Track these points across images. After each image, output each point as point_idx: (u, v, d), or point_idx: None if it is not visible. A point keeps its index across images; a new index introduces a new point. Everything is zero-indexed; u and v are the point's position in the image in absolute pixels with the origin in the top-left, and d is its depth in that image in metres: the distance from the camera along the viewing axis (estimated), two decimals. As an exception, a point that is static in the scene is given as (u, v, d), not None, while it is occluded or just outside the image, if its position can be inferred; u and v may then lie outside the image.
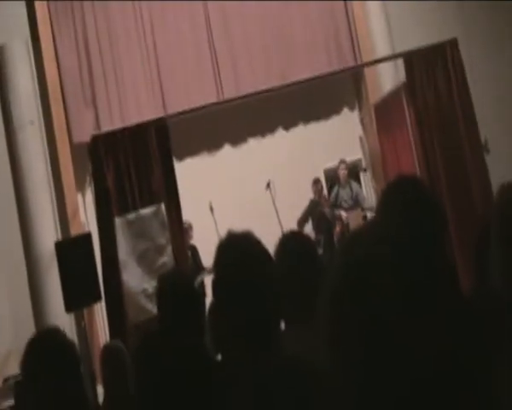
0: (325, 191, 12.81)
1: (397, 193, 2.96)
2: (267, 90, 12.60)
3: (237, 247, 2.57)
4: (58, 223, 11.56)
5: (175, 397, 3.58)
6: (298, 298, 3.19)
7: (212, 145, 13.38)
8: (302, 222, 12.11)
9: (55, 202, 11.67)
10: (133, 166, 10.50)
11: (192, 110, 12.22)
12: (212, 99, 12.67)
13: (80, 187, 12.28)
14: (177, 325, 3.89)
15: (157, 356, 4.36)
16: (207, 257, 11.29)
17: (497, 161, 11.89)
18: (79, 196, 12.23)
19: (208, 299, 6.86)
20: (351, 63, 13.74)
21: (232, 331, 2.47)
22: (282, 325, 3.20)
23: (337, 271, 1.40)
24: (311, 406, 2.21)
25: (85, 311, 10.25)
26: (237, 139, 13.51)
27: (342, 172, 12.70)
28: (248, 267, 2.46)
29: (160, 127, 10.76)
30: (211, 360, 3.60)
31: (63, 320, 9.78)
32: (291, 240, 3.45)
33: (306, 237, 3.58)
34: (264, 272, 2.46)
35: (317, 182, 12.59)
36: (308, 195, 12.54)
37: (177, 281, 4.17)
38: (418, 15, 13.69)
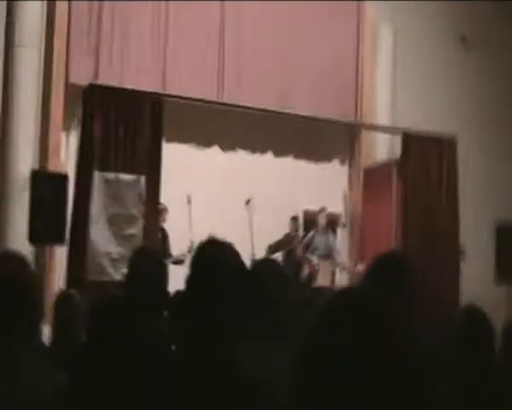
0: (300, 231, 12.81)
1: (385, 267, 3.15)
2: (267, 110, 12.72)
3: (217, 253, 2.60)
4: (37, 154, 11.34)
5: (118, 368, 3.62)
6: (265, 319, 3.31)
7: (202, 140, 13.23)
8: (272, 250, 12.05)
9: (39, 131, 11.47)
10: (122, 128, 10.44)
11: (192, 99, 12.25)
12: (212, 99, 12.72)
13: (66, 127, 12.07)
14: (142, 302, 3.90)
15: (113, 327, 4.36)
16: (174, 245, 11.28)
17: (470, 272, 12.09)
18: (64, 136, 12.04)
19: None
20: (350, 119, 13.92)
21: (193, 327, 2.50)
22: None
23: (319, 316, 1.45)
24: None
25: (47, 251, 10.09)
26: (227, 145, 13.44)
27: (322, 221, 12.61)
28: (224, 277, 2.49)
29: (157, 101, 10.75)
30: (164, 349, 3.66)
31: (23, 251, 9.60)
32: (266, 266, 3.60)
33: (281, 267, 3.73)
34: (238, 283, 2.51)
35: (295, 219, 12.52)
36: (283, 226, 12.55)
37: (153, 260, 4.17)
38: (425, 98, 14.03)
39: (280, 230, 12.39)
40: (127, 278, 4.04)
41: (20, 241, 9.83)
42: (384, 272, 3.12)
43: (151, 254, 4.29)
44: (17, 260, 3.04)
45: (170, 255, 10.90)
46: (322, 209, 12.61)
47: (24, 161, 10.87)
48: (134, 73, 12.63)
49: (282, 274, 3.57)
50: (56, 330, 6.03)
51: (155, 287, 3.94)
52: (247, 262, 3.28)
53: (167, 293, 4.26)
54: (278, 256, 12.06)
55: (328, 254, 12.38)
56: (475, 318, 3.87)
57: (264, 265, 3.64)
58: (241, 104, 12.61)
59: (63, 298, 6.14)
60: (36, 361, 3.03)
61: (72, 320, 5.80)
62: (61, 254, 10.57)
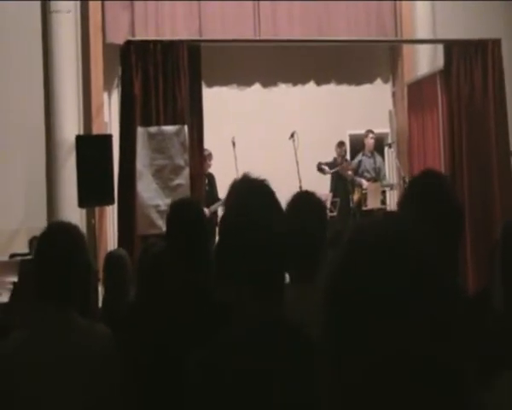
0: (348, 156, 12.88)
1: (420, 188, 2.98)
2: (305, 40, 12.70)
3: (251, 192, 2.53)
4: (82, 116, 11.63)
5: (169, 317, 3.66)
6: (302, 256, 3.28)
7: (243, 80, 13.36)
8: (323, 166, 12.21)
9: (81, 94, 11.73)
10: (162, 80, 10.48)
11: (227, 40, 12.30)
12: (249, 37, 12.75)
13: (107, 87, 12.29)
14: (183, 254, 3.89)
15: (160, 277, 4.39)
16: (222, 189, 11.40)
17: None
18: (105, 96, 12.26)
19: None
20: (391, 37, 13.78)
21: (231, 275, 2.37)
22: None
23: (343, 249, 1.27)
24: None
25: (97, 211, 10.35)
26: (268, 81, 13.49)
27: (370, 142, 12.66)
28: (257, 214, 2.39)
29: (193, 48, 10.73)
30: (209, 301, 3.64)
31: (74, 214, 9.91)
32: (304, 199, 3.51)
33: (318, 200, 3.62)
34: (272, 222, 2.39)
35: (341, 145, 12.60)
36: (329, 153, 12.57)
37: (189, 212, 4.17)
38: (465, 6, 13.72)
39: (328, 159, 12.44)
40: (167, 231, 4.10)
41: (70, 204, 10.15)
42: (418, 194, 2.95)
43: (189, 205, 4.32)
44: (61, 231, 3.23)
45: (218, 200, 11.04)
46: (369, 132, 12.61)
47: (69, 126, 11.19)
48: (170, 24, 12.73)
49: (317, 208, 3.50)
50: (107, 292, 6.23)
51: (195, 239, 3.94)
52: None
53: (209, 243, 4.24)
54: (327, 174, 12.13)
55: (376, 176, 12.43)
56: None
57: (295, 201, 3.47)
58: (278, 38, 12.62)
59: (111, 259, 6.31)
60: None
61: (122, 281, 5.97)
62: (111, 212, 10.88)
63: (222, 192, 11.37)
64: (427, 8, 13.61)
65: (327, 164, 12.35)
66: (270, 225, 2.36)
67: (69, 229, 3.22)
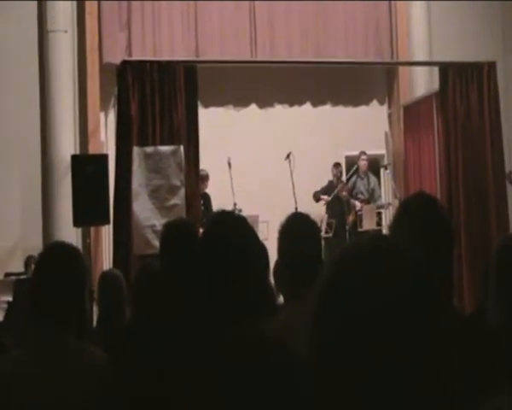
0: (344, 177, 12.90)
1: (412, 209, 2.96)
2: (301, 62, 12.75)
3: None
4: (78, 136, 11.65)
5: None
6: (296, 277, 3.27)
7: (239, 101, 13.37)
8: (317, 198, 12.28)
9: (77, 114, 11.74)
10: (158, 100, 10.50)
11: (224, 61, 12.35)
12: (246, 58, 12.79)
13: (104, 107, 12.30)
14: (176, 274, 3.89)
15: (158, 296, 4.35)
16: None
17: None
18: (102, 115, 12.27)
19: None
20: (387, 59, 13.85)
21: (209, 294, 2.39)
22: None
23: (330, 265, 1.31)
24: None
25: (92, 230, 10.35)
26: (264, 102, 13.50)
27: (363, 163, 12.74)
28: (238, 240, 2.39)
29: (190, 68, 10.77)
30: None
31: (70, 233, 9.91)
32: (298, 220, 3.50)
33: (311, 221, 3.62)
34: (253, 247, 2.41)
35: (337, 166, 12.65)
36: (325, 174, 12.62)
37: (183, 232, 4.16)
38: (461, 29, 13.78)
39: (324, 180, 12.48)
40: (160, 251, 4.09)
41: (66, 223, 10.14)
42: (411, 214, 2.92)
43: (183, 225, 4.31)
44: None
45: (214, 220, 11.00)
46: (362, 153, 12.69)
47: (65, 145, 11.21)
48: (167, 43, 12.77)
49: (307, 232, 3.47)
50: (102, 312, 6.20)
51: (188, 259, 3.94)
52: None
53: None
54: (323, 203, 12.21)
55: (371, 198, 12.48)
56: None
57: (289, 223, 3.45)
58: (274, 60, 12.67)
59: (104, 279, 6.28)
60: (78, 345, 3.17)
61: (117, 300, 5.94)
62: (107, 231, 10.87)
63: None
64: (424, 30, 13.67)
65: (323, 189, 12.41)
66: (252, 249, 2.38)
67: (69, 249, 3.20)
